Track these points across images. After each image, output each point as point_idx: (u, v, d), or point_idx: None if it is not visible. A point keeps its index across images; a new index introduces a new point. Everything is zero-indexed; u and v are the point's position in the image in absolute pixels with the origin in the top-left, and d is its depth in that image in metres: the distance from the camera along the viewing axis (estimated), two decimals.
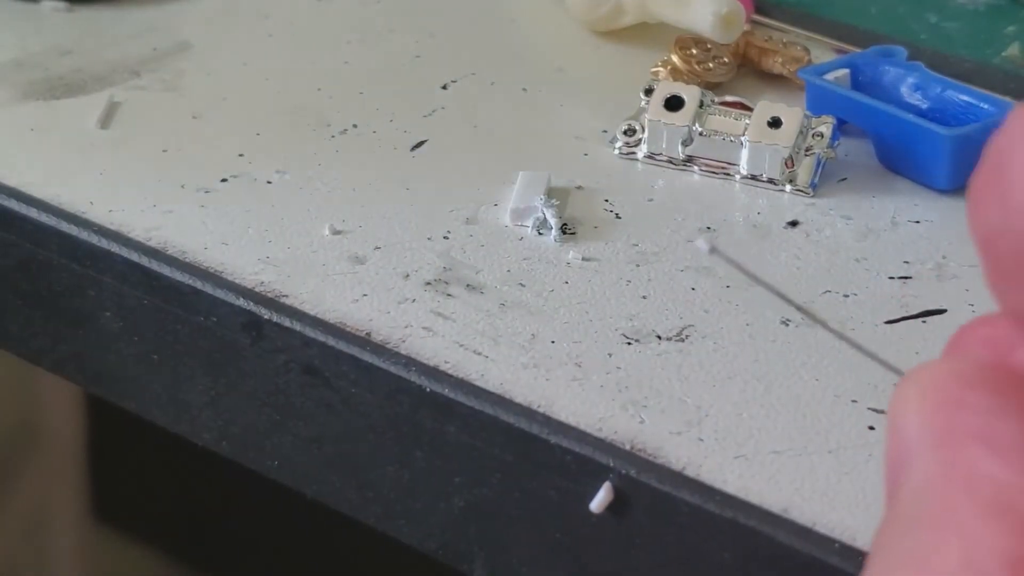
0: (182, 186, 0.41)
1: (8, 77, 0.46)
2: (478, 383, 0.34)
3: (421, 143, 0.43)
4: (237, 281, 0.37)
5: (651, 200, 0.41)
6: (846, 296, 0.37)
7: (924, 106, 0.43)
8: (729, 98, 0.43)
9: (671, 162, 0.43)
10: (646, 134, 0.43)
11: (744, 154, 0.42)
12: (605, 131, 0.44)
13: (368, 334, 0.35)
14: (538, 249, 0.39)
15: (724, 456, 0.32)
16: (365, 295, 0.37)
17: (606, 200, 0.41)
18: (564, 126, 0.44)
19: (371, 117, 0.44)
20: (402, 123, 0.44)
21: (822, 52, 0.48)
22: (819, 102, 0.43)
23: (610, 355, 0.35)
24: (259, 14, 0.50)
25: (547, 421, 0.33)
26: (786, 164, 0.41)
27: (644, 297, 0.37)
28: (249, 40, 0.49)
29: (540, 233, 0.39)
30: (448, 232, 0.39)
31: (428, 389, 0.34)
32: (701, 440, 0.32)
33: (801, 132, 0.42)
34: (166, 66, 0.47)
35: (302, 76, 0.47)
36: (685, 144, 0.42)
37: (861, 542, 0.30)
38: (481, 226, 0.40)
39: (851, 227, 0.40)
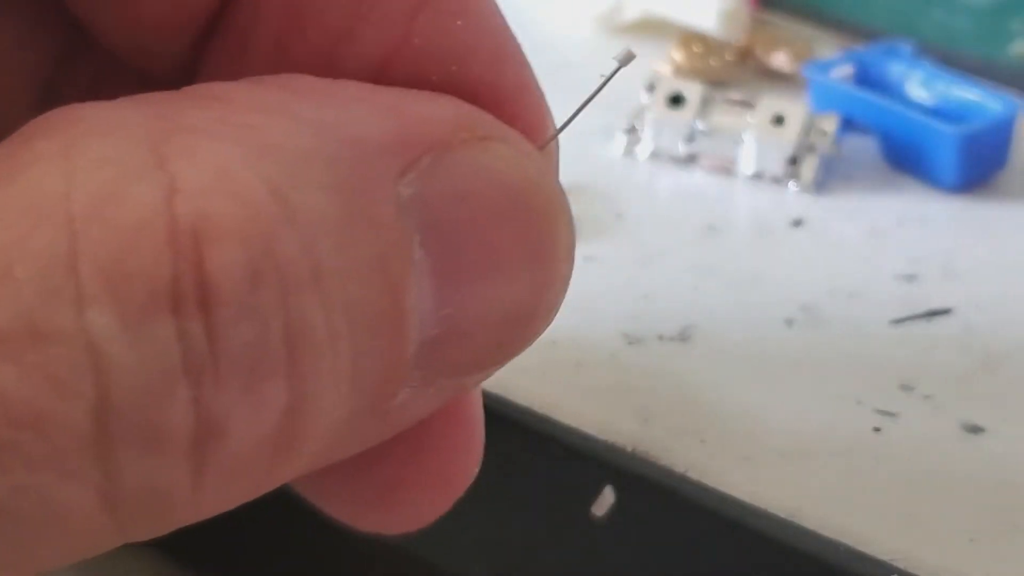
0: None
1: None
2: None
3: None
4: None
5: (653, 198, 0.41)
6: (850, 295, 0.37)
7: (930, 102, 0.43)
8: (732, 95, 0.43)
9: (674, 160, 0.42)
10: (648, 131, 0.42)
11: (748, 152, 0.41)
12: (607, 128, 0.43)
13: None
14: None
15: (728, 458, 0.31)
16: None
17: (608, 198, 0.40)
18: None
19: None
20: None
21: (827, 48, 0.47)
22: (824, 99, 0.43)
23: (611, 356, 0.34)
24: None
25: (548, 423, 0.32)
26: (790, 162, 0.41)
27: (646, 297, 0.37)
28: None
29: None
30: None
31: None
32: (704, 442, 0.32)
33: (805, 129, 0.41)
34: None
35: None
36: (688, 141, 0.42)
37: (868, 545, 0.29)
38: None
39: (856, 225, 0.40)
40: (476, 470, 0.21)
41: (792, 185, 0.41)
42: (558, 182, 0.19)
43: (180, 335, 0.15)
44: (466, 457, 0.21)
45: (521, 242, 0.18)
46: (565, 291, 0.19)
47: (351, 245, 0.16)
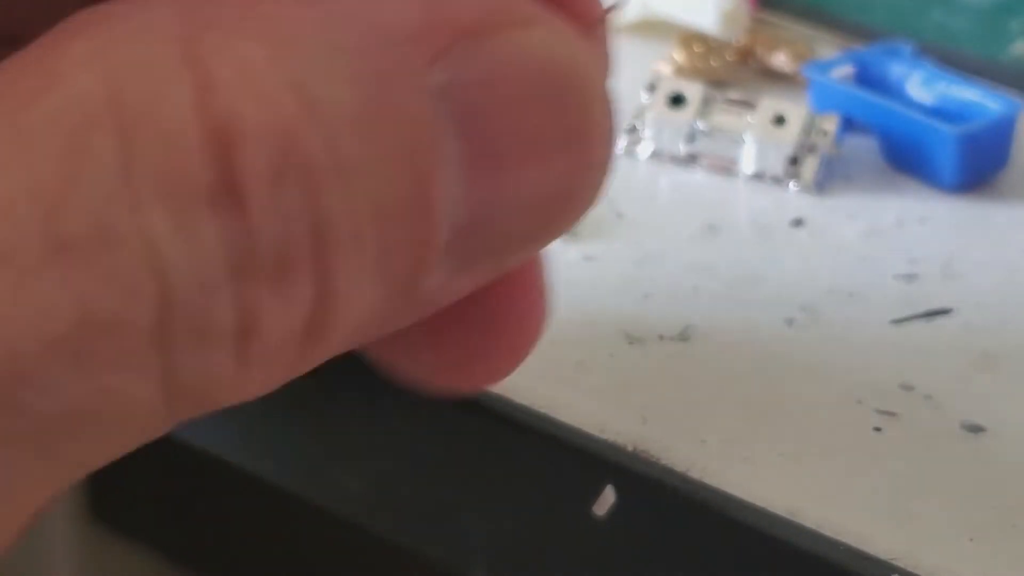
0: None
1: None
2: None
3: None
4: None
5: (654, 198, 0.41)
6: (850, 295, 0.37)
7: (930, 102, 0.43)
8: (733, 95, 0.43)
9: (674, 160, 0.42)
10: (649, 131, 0.42)
11: (748, 152, 0.41)
12: None
13: None
14: None
15: (729, 458, 0.31)
16: None
17: (608, 198, 0.40)
18: None
19: None
20: None
21: (827, 48, 0.47)
22: (824, 99, 0.43)
23: (612, 355, 0.34)
24: None
25: (549, 423, 0.32)
26: (790, 162, 0.41)
27: (646, 296, 0.37)
28: None
29: None
30: None
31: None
32: (705, 442, 0.32)
33: (806, 129, 0.41)
34: None
35: None
36: (688, 141, 0.42)
37: (868, 544, 0.29)
38: None
39: (856, 226, 0.40)
40: (544, 326, 0.21)
41: (792, 185, 0.41)
42: (608, 68, 0.19)
43: (222, 234, 0.15)
44: (534, 314, 0.21)
45: (556, 124, 0.17)
46: (604, 177, 0.18)
47: (376, 136, 0.16)
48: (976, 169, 0.41)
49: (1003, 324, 0.36)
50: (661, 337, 0.35)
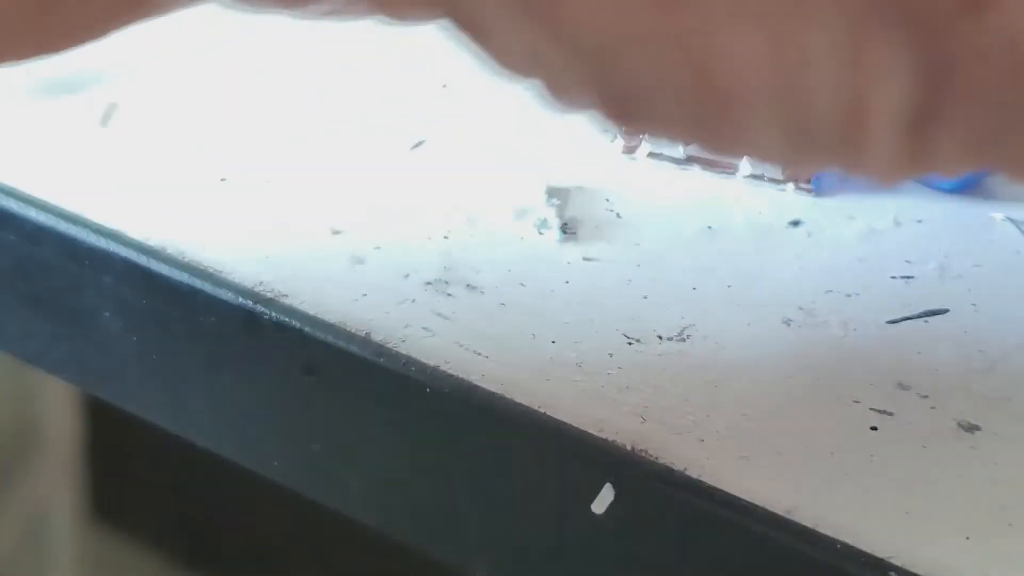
0: (181, 185, 0.41)
1: (8, 75, 0.46)
2: (478, 383, 0.34)
3: (421, 143, 0.43)
4: (237, 281, 0.37)
5: (652, 199, 0.41)
6: (848, 296, 0.37)
7: None
8: None
9: (672, 161, 0.42)
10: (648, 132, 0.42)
11: None
12: (606, 130, 0.43)
13: (368, 334, 0.35)
14: (538, 249, 0.39)
15: (726, 457, 0.32)
16: (365, 295, 0.36)
17: (607, 199, 0.41)
18: (565, 125, 0.44)
19: (371, 117, 0.44)
20: (402, 123, 0.44)
21: None
22: None
23: (611, 355, 0.35)
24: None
25: (548, 421, 0.32)
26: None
27: (645, 297, 0.37)
28: (248, 42, 0.49)
29: (541, 233, 0.39)
30: (448, 232, 0.39)
31: (428, 389, 0.34)
32: (703, 441, 0.32)
33: None
34: (166, 65, 0.47)
35: (302, 74, 0.47)
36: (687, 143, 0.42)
37: (864, 543, 0.29)
38: (481, 226, 0.39)
39: (853, 226, 0.40)
40: None
41: (790, 186, 0.41)
42: None
43: None
44: None
45: None
46: None
47: None
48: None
49: (999, 324, 0.36)
50: (660, 337, 0.35)
